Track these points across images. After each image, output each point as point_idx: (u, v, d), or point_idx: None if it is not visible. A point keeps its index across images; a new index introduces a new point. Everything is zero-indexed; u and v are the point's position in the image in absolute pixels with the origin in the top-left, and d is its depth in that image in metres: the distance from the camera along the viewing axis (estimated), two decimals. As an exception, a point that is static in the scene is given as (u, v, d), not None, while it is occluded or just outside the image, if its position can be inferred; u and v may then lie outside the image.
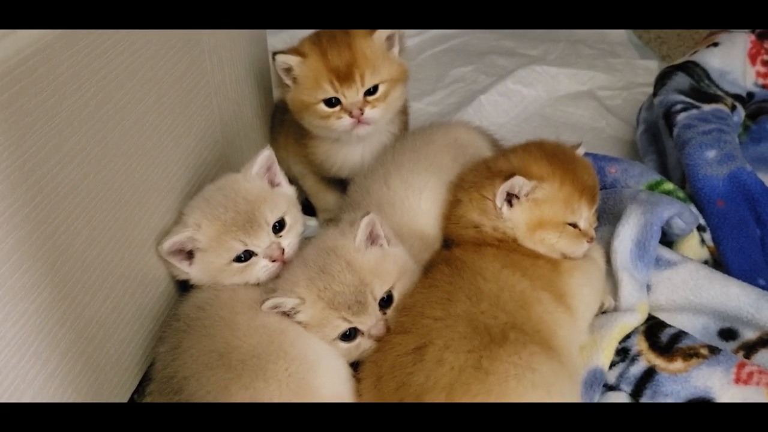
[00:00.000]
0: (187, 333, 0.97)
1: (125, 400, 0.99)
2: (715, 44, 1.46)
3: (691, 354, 0.99)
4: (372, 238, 1.02)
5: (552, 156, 1.05)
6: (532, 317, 0.94)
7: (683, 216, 1.12)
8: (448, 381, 0.87)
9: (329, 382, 0.94)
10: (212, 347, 0.93)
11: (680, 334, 1.03)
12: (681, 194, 1.20)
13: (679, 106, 1.33)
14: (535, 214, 1.02)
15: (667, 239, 1.17)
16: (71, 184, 0.84)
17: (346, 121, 1.19)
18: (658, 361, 1.00)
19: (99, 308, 0.91)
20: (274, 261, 1.04)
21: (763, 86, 1.46)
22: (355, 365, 1.00)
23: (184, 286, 1.08)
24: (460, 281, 0.97)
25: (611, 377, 1.02)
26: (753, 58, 1.46)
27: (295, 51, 1.20)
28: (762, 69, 1.45)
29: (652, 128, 1.45)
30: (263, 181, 1.09)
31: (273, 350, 0.93)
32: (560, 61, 1.89)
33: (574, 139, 1.15)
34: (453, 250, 1.05)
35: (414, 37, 1.99)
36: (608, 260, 1.11)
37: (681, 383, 0.97)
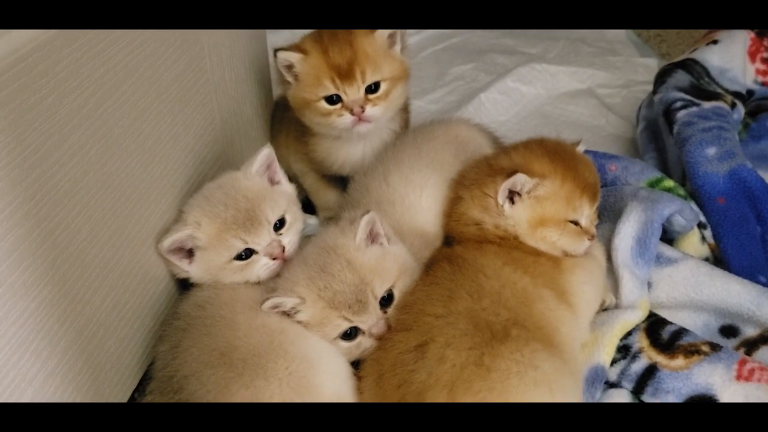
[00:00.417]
0: (187, 332, 0.97)
1: (125, 399, 0.99)
2: (715, 42, 1.46)
3: (692, 351, 0.99)
4: (372, 237, 1.02)
5: (553, 153, 1.05)
6: (534, 314, 0.94)
7: (684, 213, 1.12)
8: (450, 378, 0.87)
9: (330, 381, 0.94)
10: (213, 346, 0.93)
11: (681, 331, 1.03)
12: (681, 191, 1.20)
13: (679, 104, 1.33)
14: (536, 211, 1.02)
15: (668, 236, 1.17)
16: (71, 181, 0.83)
17: (347, 118, 1.18)
18: (660, 358, 1.00)
19: (99, 306, 0.91)
20: (274, 259, 1.04)
21: (763, 84, 1.46)
22: (355, 364, 1.00)
23: (184, 285, 1.08)
24: (462, 278, 0.97)
25: (612, 374, 1.02)
26: (752, 55, 1.45)
27: (296, 48, 1.20)
28: (762, 66, 1.45)
29: (652, 126, 1.45)
30: (263, 179, 1.08)
31: (273, 349, 0.93)
32: (560, 59, 1.89)
33: (574, 136, 1.15)
34: (454, 248, 1.04)
35: (414, 36, 1.99)
36: (609, 257, 1.11)
37: (682, 380, 0.97)
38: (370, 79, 1.18)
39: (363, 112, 1.18)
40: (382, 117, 1.21)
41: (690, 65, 1.43)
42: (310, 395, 0.91)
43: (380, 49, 1.19)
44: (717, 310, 1.07)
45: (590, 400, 0.97)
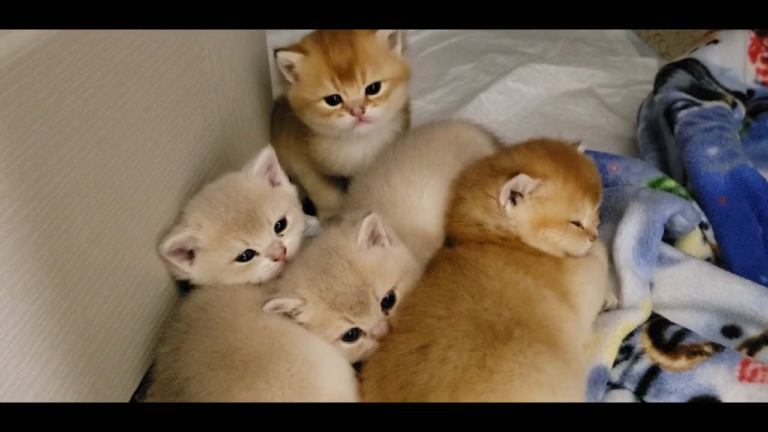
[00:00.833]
0: (188, 334, 0.96)
1: (126, 401, 0.98)
2: (715, 41, 1.46)
3: (695, 352, 0.99)
4: (374, 238, 1.02)
5: (555, 154, 1.05)
6: (536, 314, 0.94)
7: (686, 213, 1.12)
8: (452, 380, 0.86)
9: (331, 383, 0.93)
10: (214, 348, 0.93)
11: (684, 332, 1.02)
12: (683, 192, 1.20)
13: (680, 104, 1.32)
14: (538, 212, 1.02)
15: (670, 237, 1.17)
16: (71, 183, 0.83)
17: (347, 119, 1.18)
18: (662, 359, 1.00)
19: (100, 309, 0.90)
20: (275, 260, 1.03)
21: (764, 83, 1.45)
22: (357, 365, 0.99)
23: (184, 287, 1.07)
24: (463, 279, 0.97)
25: (615, 375, 1.01)
26: (753, 55, 1.45)
27: (296, 48, 1.19)
28: (762, 66, 1.45)
29: (653, 126, 1.45)
30: (264, 181, 1.08)
31: (275, 351, 0.92)
32: (559, 59, 1.88)
33: (574, 136, 1.14)
34: (455, 248, 1.04)
35: (413, 36, 1.98)
36: (611, 258, 1.11)
37: (685, 381, 0.96)
38: (370, 80, 1.17)
39: (363, 112, 1.17)
40: (382, 118, 1.21)
41: (690, 65, 1.43)
42: (312, 397, 0.90)
43: (381, 49, 1.19)
44: (719, 310, 1.07)
45: (592, 401, 0.97)
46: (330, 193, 1.36)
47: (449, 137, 1.21)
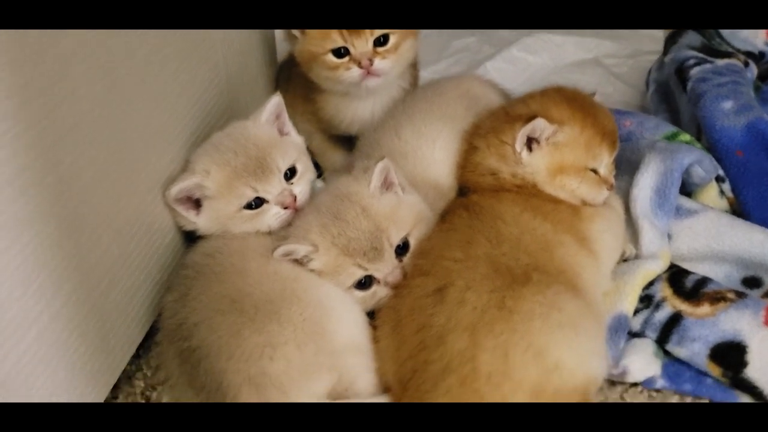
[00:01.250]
0: (196, 280, 0.93)
1: (131, 352, 0.95)
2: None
3: (718, 298, 0.96)
4: (386, 185, 0.99)
5: (572, 100, 1.02)
6: (555, 259, 0.91)
7: (703, 164, 1.09)
8: (471, 321, 0.83)
9: (345, 328, 0.90)
10: (224, 293, 0.90)
11: (705, 280, 1.00)
12: (698, 145, 1.17)
13: (692, 61, 1.30)
14: (555, 158, 0.99)
15: (686, 190, 1.14)
16: (77, 115, 0.80)
17: (355, 72, 1.15)
18: (684, 306, 0.97)
19: (105, 252, 0.87)
20: (285, 208, 1.00)
21: (775, 46, 1.43)
22: (370, 315, 0.96)
23: (190, 239, 1.04)
24: (479, 224, 0.94)
25: (636, 324, 0.99)
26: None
27: None
28: (773, 27, 1.43)
29: (663, 87, 1.42)
30: (273, 128, 1.05)
31: (287, 296, 0.89)
32: (565, 29, 1.86)
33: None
34: (470, 196, 1.01)
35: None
36: (627, 210, 1.08)
37: (709, 327, 0.94)
38: (378, 31, 1.14)
39: (371, 65, 1.14)
40: (391, 71, 1.18)
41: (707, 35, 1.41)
42: (325, 341, 0.87)
43: (389, 2, 1.16)
44: (739, 260, 1.04)
45: (613, 349, 0.94)
46: (337, 154, 1.33)
47: (460, 90, 1.18)
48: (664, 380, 0.95)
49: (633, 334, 0.99)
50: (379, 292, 0.96)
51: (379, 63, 1.15)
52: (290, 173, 1.02)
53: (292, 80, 1.32)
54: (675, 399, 0.94)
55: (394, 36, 1.16)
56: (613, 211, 1.04)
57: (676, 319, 0.96)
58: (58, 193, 0.77)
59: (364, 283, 0.96)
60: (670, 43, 1.41)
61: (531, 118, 0.97)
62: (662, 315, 0.97)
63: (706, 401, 0.94)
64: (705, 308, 0.96)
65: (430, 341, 0.84)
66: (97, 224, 0.85)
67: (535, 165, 0.99)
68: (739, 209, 1.14)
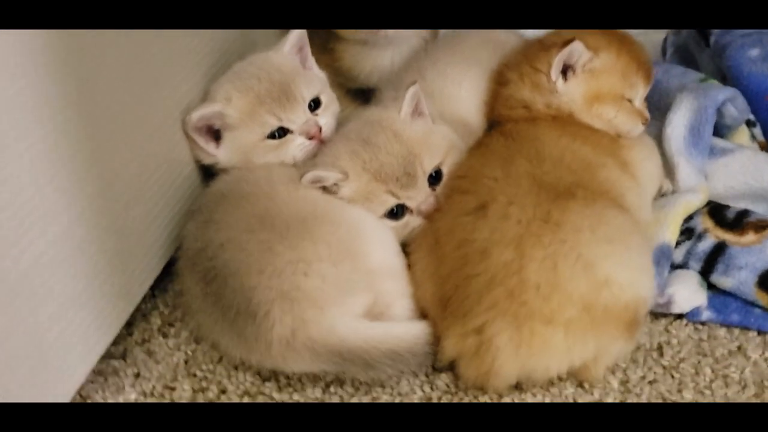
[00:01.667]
0: (220, 205, 0.88)
1: (150, 281, 0.89)
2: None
3: (763, 226, 0.93)
4: (417, 112, 0.95)
5: (606, 30, 1.00)
6: (598, 178, 0.87)
7: (736, 102, 1.06)
8: (517, 233, 0.79)
9: (379, 251, 0.86)
10: (251, 213, 0.85)
11: (746, 211, 0.96)
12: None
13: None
14: (591, 86, 0.96)
15: (718, 133, 1.11)
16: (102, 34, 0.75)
17: None
18: (728, 236, 0.94)
19: (125, 166, 0.82)
20: (311, 138, 0.96)
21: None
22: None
23: (208, 177, 0.99)
24: (518, 146, 0.90)
25: (678, 256, 0.95)
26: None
27: None
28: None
29: (682, 50, 1.40)
30: (296, 59, 1.01)
31: (318, 215, 0.85)
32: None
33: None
34: (504, 125, 0.98)
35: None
36: (661, 150, 1.05)
37: (756, 254, 0.90)
38: None
39: None
40: None
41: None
42: (359, 261, 0.83)
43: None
44: (780, 197, 1.01)
45: (658, 279, 0.90)
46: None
47: (484, 37, 1.15)
48: (710, 312, 0.91)
49: (676, 267, 0.94)
50: (411, 222, 0.91)
51: None
52: (314, 105, 0.98)
53: (310, 31, 1.29)
54: (722, 332, 0.90)
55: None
56: (651, 141, 1.01)
57: (720, 248, 0.92)
58: (79, 86, 0.72)
59: (396, 213, 0.91)
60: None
61: (567, 42, 0.94)
62: (706, 245, 0.94)
63: (755, 333, 0.89)
64: (750, 236, 0.92)
65: (473, 255, 0.80)
66: (118, 134, 0.80)
67: (571, 93, 0.96)
68: (771, 153, 1.11)
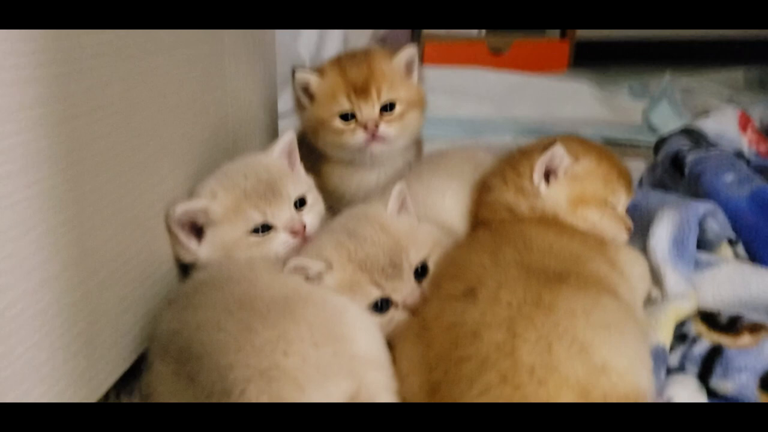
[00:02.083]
0: (198, 291, 0.84)
1: (117, 374, 0.83)
2: (706, 113, 1.52)
3: (758, 328, 0.90)
4: (403, 209, 0.95)
5: (585, 141, 1.03)
6: (588, 269, 0.86)
7: (717, 216, 1.08)
8: (508, 315, 0.76)
9: (362, 338, 0.81)
10: (231, 295, 0.81)
11: (739, 316, 0.94)
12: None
13: (685, 149, 1.34)
14: (575, 190, 0.97)
15: (700, 249, 1.11)
16: (94, 77, 0.76)
17: (361, 135, 1.15)
18: (723, 339, 0.90)
19: (104, 242, 0.79)
20: (294, 235, 0.94)
21: (758, 153, 1.49)
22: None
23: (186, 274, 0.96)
24: (505, 238, 0.90)
25: (673, 361, 0.91)
26: (743, 126, 1.51)
27: (314, 71, 1.20)
28: (753, 136, 1.50)
29: (657, 186, 1.45)
30: (284, 162, 1.02)
31: (301, 297, 0.81)
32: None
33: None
34: (489, 224, 0.97)
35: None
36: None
37: (754, 356, 0.87)
38: (385, 97, 1.17)
39: (377, 129, 1.15)
40: (396, 139, 1.18)
41: (687, 131, 1.47)
42: (343, 346, 0.78)
43: (397, 72, 1.20)
44: (770, 307, 0.99)
45: (655, 381, 0.85)
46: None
47: (466, 154, 1.18)
48: (713, 418, 0.86)
49: (672, 372, 0.90)
50: (396, 317, 0.88)
51: (384, 128, 1.16)
52: (300, 203, 0.98)
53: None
54: (727, 439, 0.84)
55: (400, 105, 1.18)
56: (636, 249, 1.00)
57: (717, 351, 0.89)
58: (70, 149, 0.72)
59: (381, 307, 0.88)
60: (658, 147, 1.46)
61: (548, 146, 0.96)
62: (701, 348, 0.90)
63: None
64: (746, 339, 0.89)
65: (463, 338, 0.76)
66: (101, 210, 0.78)
67: (554, 197, 0.97)
68: (757, 269, 1.11)
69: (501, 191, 1.00)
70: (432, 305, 0.83)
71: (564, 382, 0.72)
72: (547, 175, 0.98)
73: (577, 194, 0.97)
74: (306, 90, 1.20)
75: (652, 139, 1.64)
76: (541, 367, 0.72)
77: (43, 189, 0.67)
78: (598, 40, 2.94)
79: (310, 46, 2.29)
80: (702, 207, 1.06)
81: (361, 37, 2.57)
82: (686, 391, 0.86)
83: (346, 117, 1.16)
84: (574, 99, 2.39)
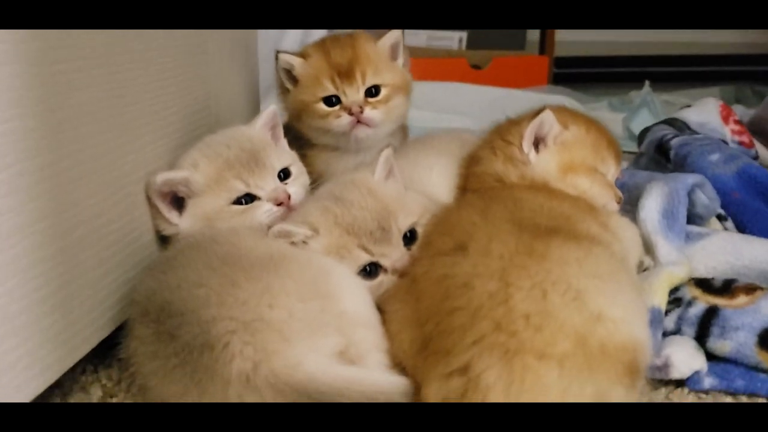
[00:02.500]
0: (179, 254, 0.81)
1: (93, 343, 0.80)
2: (688, 105, 1.53)
3: (752, 288, 0.89)
4: (391, 176, 0.93)
5: (573, 111, 1.02)
6: (581, 228, 0.84)
7: (705, 189, 1.07)
8: (500, 266, 0.74)
9: (350, 297, 0.78)
10: (213, 254, 0.78)
11: (733, 279, 0.93)
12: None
13: (670, 135, 1.34)
14: (564, 157, 0.96)
15: (690, 224, 1.10)
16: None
17: (345, 119, 1.13)
18: (718, 300, 0.89)
19: (84, 198, 0.76)
20: (279, 205, 0.92)
21: (741, 143, 1.49)
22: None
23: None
24: (495, 199, 0.88)
25: (669, 324, 0.89)
26: (725, 118, 1.51)
27: (298, 54, 1.19)
28: (735, 127, 1.50)
29: (644, 175, 1.44)
30: (268, 134, 1.00)
31: (287, 256, 0.79)
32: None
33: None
34: (478, 190, 0.95)
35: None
36: (638, 233, 1.03)
37: (751, 315, 0.85)
38: (370, 81, 1.15)
39: (362, 113, 1.14)
40: (381, 124, 1.16)
41: (670, 121, 1.48)
42: (329, 303, 0.75)
43: (382, 55, 1.19)
44: (763, 274, 0.97)
45: (652, 340, 0.83)
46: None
47: (453, 135, 1.17)
48: (712, 378, 0.83)
49: (668, 335, 0.88)
50: (386, 282, 0.85)
51: (369, 112, 1.14)
52: (284, 175, 0.96)
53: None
54: (728, 400, 0.82)
55: (386, 89, 1.17)
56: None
57: (712, 311, 0.87)
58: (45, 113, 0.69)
59: (370, 272, 0.86)
60: (642, 136, 1.46)
61: (537, 113, 0.95)
62: (697, 310, 0.88)
63: (763, 401, 0.82)
64: (742, 299, 0.88)
65: (454, 289, 0.73)
66: (79, 167, 0.76)
67: (544, 165, 0.95)
68: (747, 243, 1.10)
69: (490, 161, 0.98)
70: (421, 262, 0.80)
71: (560, 329, 0.69)
72: (537, 144, 0.96)
73: (567, 161, 0.95)
74: (289, 73, 1.18)
75: (634, 148, 1.64)
76: (537, 314, 0.70)
77: (17, 128, 0.65)
78: (576, 56, 2.98)
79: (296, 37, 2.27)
80: (691, 178, 1.05)
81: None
82: (684, 352, 0.84)
83: (330, 101, 1.15)
84: (555, 111, 2.40)
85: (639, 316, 0.76)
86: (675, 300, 0.92)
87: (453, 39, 2.74)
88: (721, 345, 0.85)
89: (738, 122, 1.50)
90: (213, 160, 0.92)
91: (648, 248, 1.00)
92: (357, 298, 0.79)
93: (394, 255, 0.85)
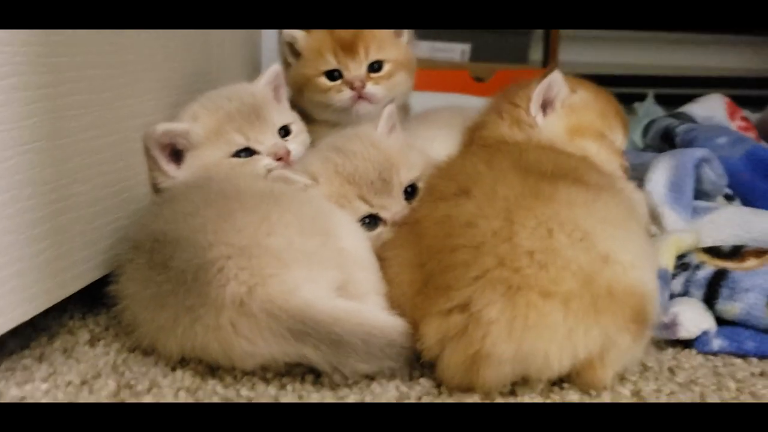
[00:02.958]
0: (176, 193, 0.80)
1: (85, 281, 0.77)
2: (693, 101, 1.52)
3: (763, 252, 0.87)
4: (394, 131, 0.92)
5: (581, 79, 1.01)
6: (588, 178, 0.81)
7: (713, 164, 1.05)
8: (506, 207, 0.72)
9: (349, 237, 0.77)
10: (210, 192, 0.76)
11: (741, 245, 0.90)
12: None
13: (675, 123, 1.33)
14: (572, 120, 0.94)
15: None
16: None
17: (347, 94, 1.12)
18: (727, 264, 0.87)
19: (80, 131, 0.75)
20: (279, 159, 0.90)
21: (748, 140, 1.48)
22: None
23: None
24: (500, 152, 0.86)
25: (676, 286, 0.86)
26: (732, 115, 1.50)
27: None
28: (742, 123, 1.49)
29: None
30: (270, 92, 0.99)
31: (286, 194, 0.77)
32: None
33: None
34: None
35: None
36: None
37: (762, 276, 0.83)
38: (373, 56, 1.14)
39: (364, 88, 1.12)
40: (383, 99, 1.14)
41: (675, 115, 1.47)
42: (329, 239, 0.73)
43: (386, 31, 1.18)
44: (773, 246, 0.95)
45: (660, 298, 0.81)
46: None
47: (454, 109, 1.16)
48: (721, 340, 0.81)
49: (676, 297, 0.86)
50: (384, 235, 0.83)
51: (371, 87, 1.12)
52: (284, 132, 0.94)
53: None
54: (738, 361, 0.79)
55: (388, 64, 1.16)
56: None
57: (721, 273, 0.85)
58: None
59: (369, 223, 0.84)
60: (646, 130, 1.45)
61: (546, 75, 0.94)
62: (705, 272, 0.86)
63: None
64: (752, 262, 0.86)
65: (457, 228, 0.71)
66: (78, 102, 0.74)
67: (551, 127, 0.93)
68: (756, 222, 1.07)
69: (496, 125, 0.96)
70: (424, 206, 0.78)
71: (566, 266, 0.67)
72: (544, 107, 0.95)
73: (575, 124, 0.94)
74: (292, 47, 1.17)
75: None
76: (541, 251, 0.68)
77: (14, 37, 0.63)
78: (579, 73, 2.98)
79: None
80: (698, 152, 1.04)
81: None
82: (692, 311, 0.81)
83: (332, 75, 1.13)
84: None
85: (648, 264, 0.74)
86: (682, 265, 0.89)
87: (456, 51, 2.74)
88: (730, 307, 0.82)
89: (745, 119, 1.49)
90: (213, 112, 0.91)
91: (654, 219, 0.98)
92: (357, 240, 0.77)
93: (393, 208, 0.83)
